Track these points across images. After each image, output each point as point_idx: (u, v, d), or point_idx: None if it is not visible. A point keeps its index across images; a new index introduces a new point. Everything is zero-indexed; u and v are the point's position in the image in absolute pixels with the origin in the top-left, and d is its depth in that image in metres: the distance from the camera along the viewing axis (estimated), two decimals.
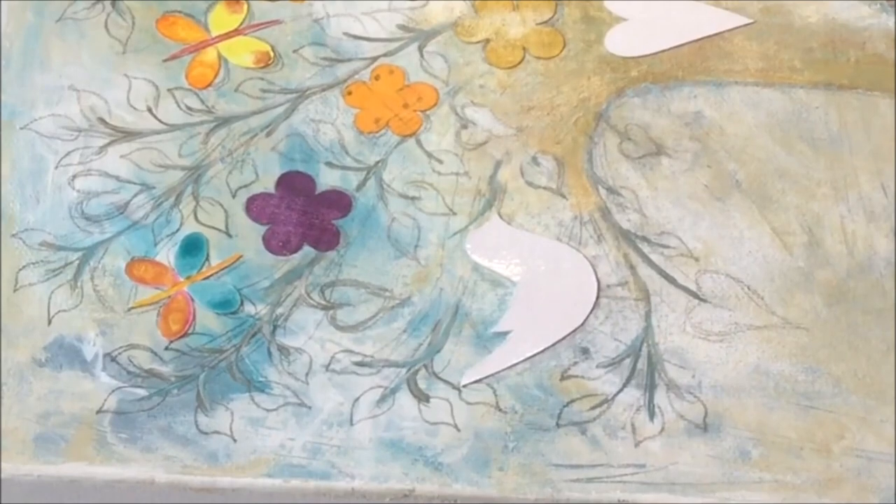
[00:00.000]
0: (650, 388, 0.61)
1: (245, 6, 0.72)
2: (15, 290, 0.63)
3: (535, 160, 0.68)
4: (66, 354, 0.62)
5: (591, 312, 0.63)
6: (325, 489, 0.58)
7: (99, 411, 0.60)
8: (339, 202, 0.66)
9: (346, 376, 0.61)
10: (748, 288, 0.64)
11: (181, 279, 0.64)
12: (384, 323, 0.63)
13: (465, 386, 0.61)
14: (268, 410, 0.60)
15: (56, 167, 0.67)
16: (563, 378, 0.61)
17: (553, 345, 0.62)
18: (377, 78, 0.70)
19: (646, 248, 0.65)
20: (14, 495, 0.59)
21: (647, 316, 0.63)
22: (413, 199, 0.66)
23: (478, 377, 0.61)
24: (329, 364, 0.62)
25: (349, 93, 0.69)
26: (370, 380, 0.61)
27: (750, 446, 0.60)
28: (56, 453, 0.59)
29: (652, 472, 0.59)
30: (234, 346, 0.62)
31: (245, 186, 0.67)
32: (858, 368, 0.62)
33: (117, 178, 0.66)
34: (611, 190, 0.65)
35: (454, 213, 0.66)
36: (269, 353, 0.62)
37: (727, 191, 0.67)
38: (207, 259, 0.64)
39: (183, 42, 0.71)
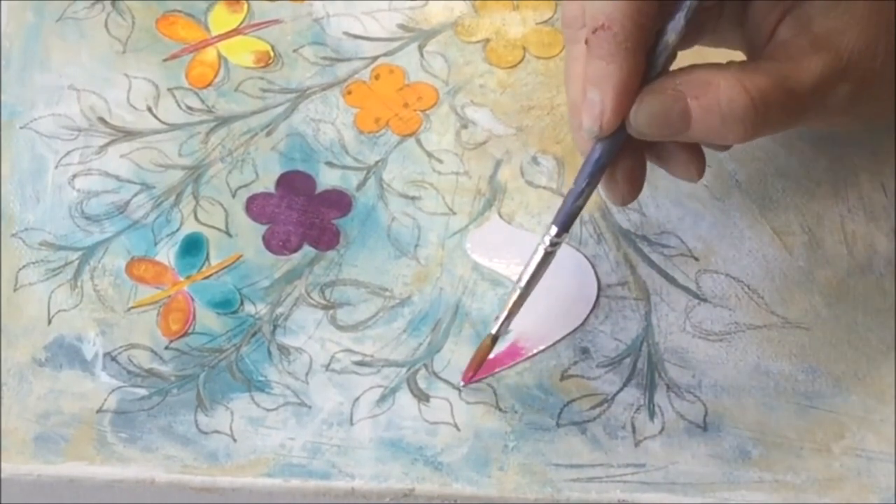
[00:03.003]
0: (650, 388, 0.61)
1: (245, 6, 0.72)
2: (15, 290, 0.63)
3: (535, 160, 0.68)
4: (66, 354, 0.61)
5: (591, 312, 0.63)
6: (324, 489, 0.58)
7: (99, 411, 0.60)
8: (339, 202, 0.66)
9: (346, 376, 0.61)
10: (748, 288, 0.64)
11: (181, 279, 0.64)
12: (384, 322, 0.63)
13: (464, 385, 0.61)
14: (268, 410, 0.60)
15: (56, 167, 0.67)
16: (563, 378, 0.61)
17: (553, 344, 0.62)
18: (377, 77, 0.70)
19: (646, 248, 0.65)
20: (14, 495, 0.59)
21: (647, 315, 0.63)
22: (413, 198, 0.66)
23: (478, 377, 0.61)
24: (329, 364, 0.62)
25: (349, 92, 0.69)
26: (370, 379, 0.61)
27: (750, 446, 0.60)
28: (56, 453, 0.59)
29: (652, 471, 0.59)
30: (234, 345, 0.62)
31: (245, 186, 0.67)
32: (858, 368, 0.62)
33: (117, 178, 0.66)
34: None
35: (454, 213, 0.66)
36: (269, 353, 0.62)
37: (727, 191, 0.66)
38: (207, 259, 0.64)
39: (183, 41, 0.71)
